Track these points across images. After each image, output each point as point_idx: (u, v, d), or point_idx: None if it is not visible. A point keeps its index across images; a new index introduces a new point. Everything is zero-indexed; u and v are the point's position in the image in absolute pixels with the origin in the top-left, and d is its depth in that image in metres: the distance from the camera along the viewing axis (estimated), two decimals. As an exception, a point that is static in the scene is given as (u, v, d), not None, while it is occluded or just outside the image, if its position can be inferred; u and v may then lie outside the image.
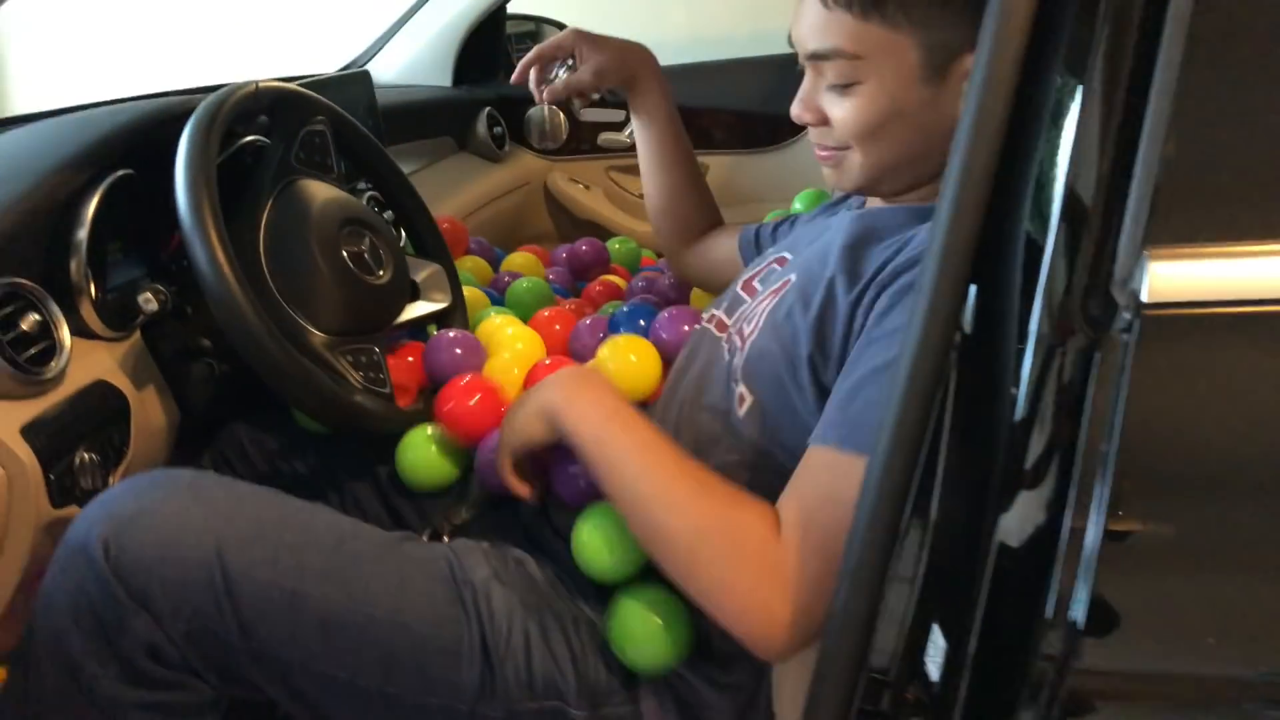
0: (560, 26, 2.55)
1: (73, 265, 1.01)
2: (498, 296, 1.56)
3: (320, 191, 1.15)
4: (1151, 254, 0.54)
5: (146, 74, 2.32)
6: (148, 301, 1.04)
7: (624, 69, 1.34)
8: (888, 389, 0.65)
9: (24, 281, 0.96)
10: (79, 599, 0.84)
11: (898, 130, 0.88)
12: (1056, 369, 0.57)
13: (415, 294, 1.27)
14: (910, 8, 0.82)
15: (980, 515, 0.62)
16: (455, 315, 1.32)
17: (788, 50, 0.96)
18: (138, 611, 0.83)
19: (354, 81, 1.65)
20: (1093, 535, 0.53)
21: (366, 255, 1.15)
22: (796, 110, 0.93)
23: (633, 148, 2.32)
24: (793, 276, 0.95)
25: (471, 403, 1.08)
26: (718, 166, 2.35)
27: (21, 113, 1.31)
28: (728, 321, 1.04)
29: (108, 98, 1.39)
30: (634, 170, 2.36)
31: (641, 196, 2.36)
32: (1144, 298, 0.53)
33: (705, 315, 1.12)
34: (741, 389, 0.93)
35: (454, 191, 2.03)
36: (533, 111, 2.31)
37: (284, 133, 1.16)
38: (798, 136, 2.30)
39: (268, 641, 0.86)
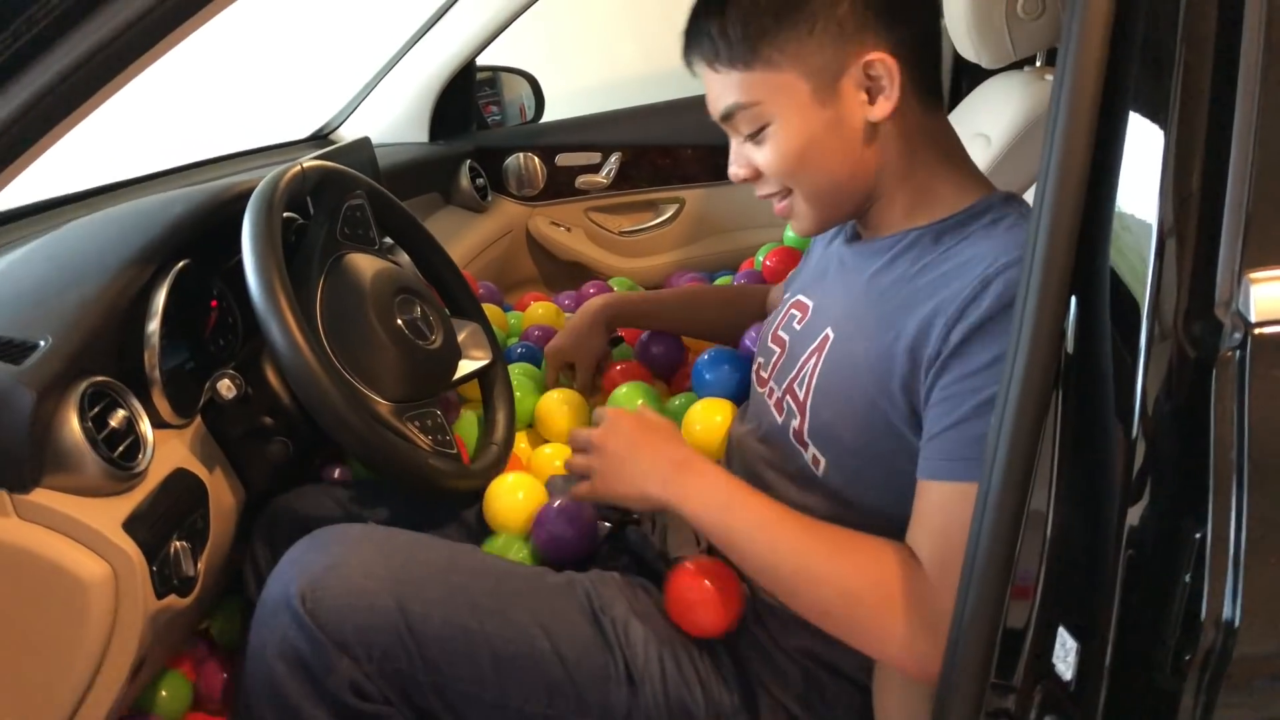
0: (521, 74, 2.60)
1: (146, 358, 1.03)
2: (534, 348, 1.61)
3: (368, 264, 1.18)
4: (1251, 277, 0.60)
5: (116, 146, 2.31)
6: (228, 389, 1.07)
7: (593, 340, 1.48)
8: (998, 409, 0.71)
9: (110, 380, 0.98)
10: (286, 648, 0.94)
11: (818, 156, 0.95)
12: (1171, 385, 0.63)
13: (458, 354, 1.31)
14: (783, 45, 0.91)
15: (1096, 523, 0.68)
16: (496, 370, 1.36)
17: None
18: (340, 655, 0.92)
19: (358, 148, 1.68)
20: (1234, 537, 0.59)
21: (419, 322, 1.18)
22: (732, 170, 1.02)
23: (610, 188, 2.40)
24: (830, 332, 0.99)
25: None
26: (693, 199, 2.41)
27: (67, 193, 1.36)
28: (766, 376, 1.10)
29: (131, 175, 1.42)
30: (612, 210, 2.43)
31: (621, 234, 2.44)
32: (1252, 318, 0.59)
33: (754, 367, 1.17)
34: (814, 452, 0.98)
35: (446, 245, 2.06)
36: (510, 160, 2.36)
37: (327, 209, 1.19)
38: (768, 165, 2.38)
39: (448, 675, 0.95)
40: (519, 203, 2.39)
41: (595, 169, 2.38)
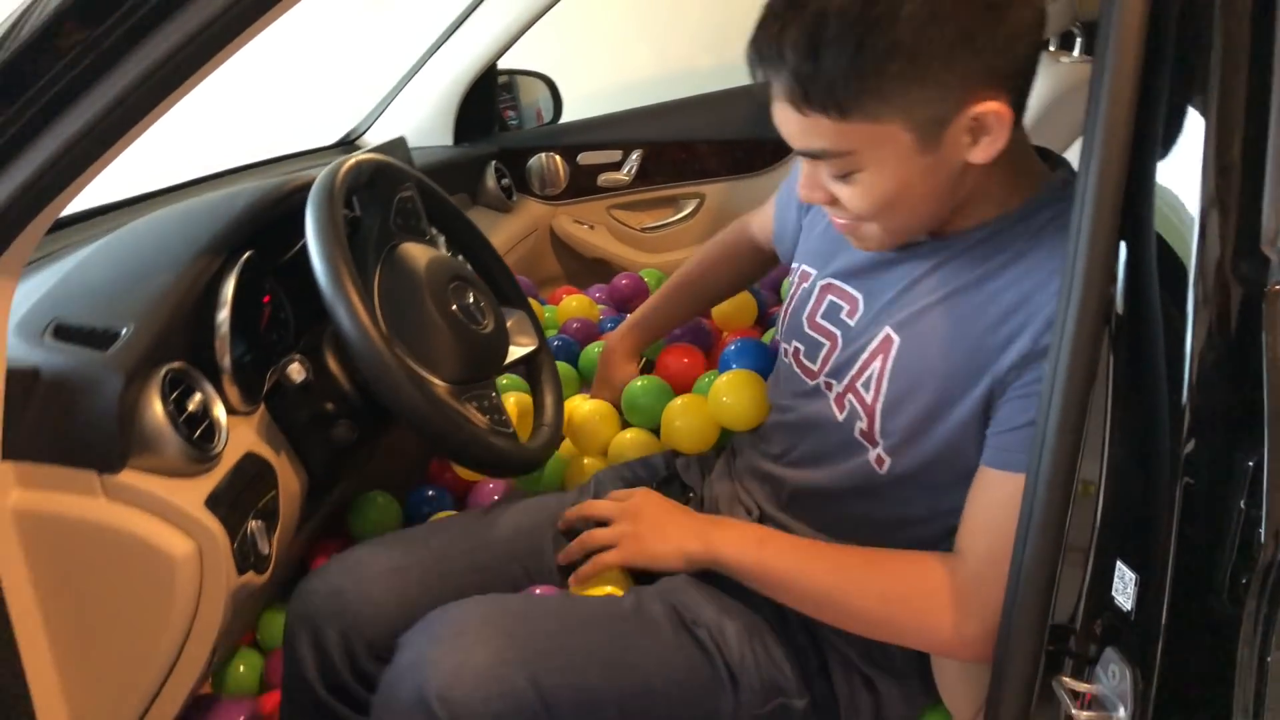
0: (539, 77, 2.64)
1: (216, 345, 1.07)
2: (571, 341, 1.68)
3: (422, 253, 1.22)
4: (1296, 215, 0.64)
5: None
6: (297, 373, 1.11)
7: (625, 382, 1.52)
8: (1053, 351, 0.75)
9: (186, 365, 1.02)
10: None
11: (908, 199, 0.89)
12: (1221, 321, 0.67)
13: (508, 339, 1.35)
14: (889, 98, 0.81)
15: (1152, 457, 0.72)
16: (542, 356, 1.40)
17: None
18: None
19: (396, 147, 1.73)
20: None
21: (472, 308, 1.22)
22: (805, 193, 0.94)
23: (631, 185, 2.45)
24: (893, 335, 0.97)
25: None
26: (713, 194, 2.46)
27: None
28: (815, 368, 1.07)
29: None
30: (634, 207, 2.48)
31: (643, 230, 2.49)
32: (1298, 251, 0.63)
33: (783, 348, 1.16)
34: (879, 452, 0.99)
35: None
36: (533, 160, 2.41)
37: (381, 202, 1.23)
38: (785, 159, 2.43)
39: None
40: (543, 202, 2.44)
41: (616, 167, 2.43)
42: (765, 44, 0.84)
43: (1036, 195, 0.93)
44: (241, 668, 1.23)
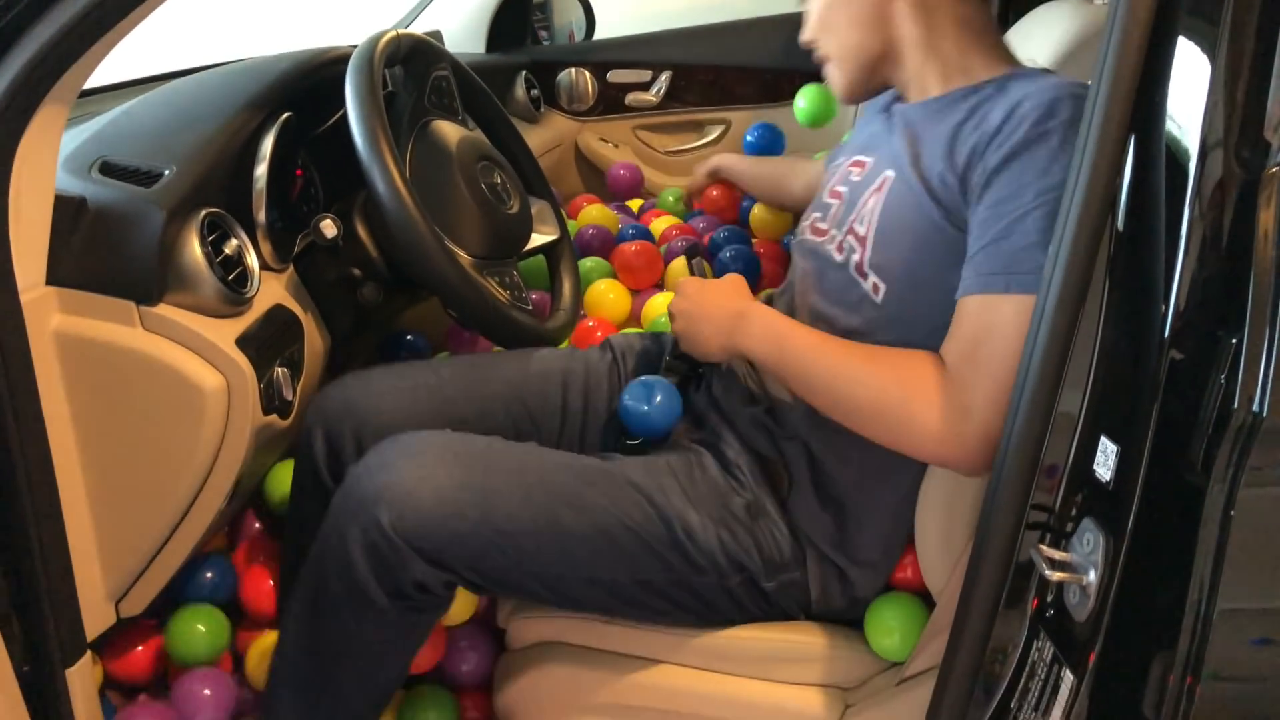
0: (575, -3, 2.65)
1: (254, 199, 1.11)
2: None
3: (453, 131, 1.25)
4: (1299, 101, 0.67)
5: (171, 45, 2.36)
6: (329, 228, 1.15)
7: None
8: (1056, 232, 0.79)
9: (224, 211, 1.06)
10: (367, 543, 0.99)
11: (835, 21, 1.11)
12: (1220, 205, 0.70)
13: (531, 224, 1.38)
14: None
15: (1142, 333, 0.75)
16: (563, 245, 1.43)
17: (795, 10, 1.18)
18: (415, 558, 0.99)
19: (433, 38, 1.75)
20: (1269, 337, 0.66)
21: (499, 188, 1.26)
22: (803, 36, 1.18)
23: (658, 107, 2.46)
24: (890, 173, 1.08)
25: None
26: (739, 120, 2.46)
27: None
28: (824, 226, 1.17)
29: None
30: (660, 129, 2.49)
31: (666, 153, 2.51)
32: (1297, 134, 0.66)
33: (799, 228, 1.25)
34: (874, 280, 1.07)
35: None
36: (563, 75, 2.42)
37: (416, 78, 1.27)
38: (812, 90, 2.44)
39: (541, 560, 1.04)
40: (570, 117, 2.46)
41: (645, 87, 2.44)
42: None
43: (1014, 72, 1.06)
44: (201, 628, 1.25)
